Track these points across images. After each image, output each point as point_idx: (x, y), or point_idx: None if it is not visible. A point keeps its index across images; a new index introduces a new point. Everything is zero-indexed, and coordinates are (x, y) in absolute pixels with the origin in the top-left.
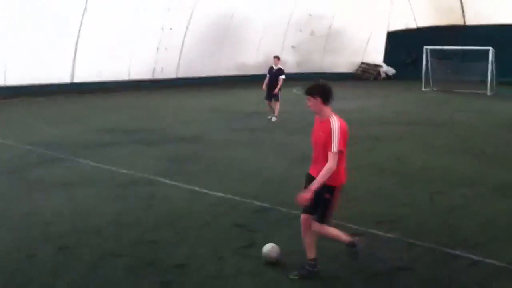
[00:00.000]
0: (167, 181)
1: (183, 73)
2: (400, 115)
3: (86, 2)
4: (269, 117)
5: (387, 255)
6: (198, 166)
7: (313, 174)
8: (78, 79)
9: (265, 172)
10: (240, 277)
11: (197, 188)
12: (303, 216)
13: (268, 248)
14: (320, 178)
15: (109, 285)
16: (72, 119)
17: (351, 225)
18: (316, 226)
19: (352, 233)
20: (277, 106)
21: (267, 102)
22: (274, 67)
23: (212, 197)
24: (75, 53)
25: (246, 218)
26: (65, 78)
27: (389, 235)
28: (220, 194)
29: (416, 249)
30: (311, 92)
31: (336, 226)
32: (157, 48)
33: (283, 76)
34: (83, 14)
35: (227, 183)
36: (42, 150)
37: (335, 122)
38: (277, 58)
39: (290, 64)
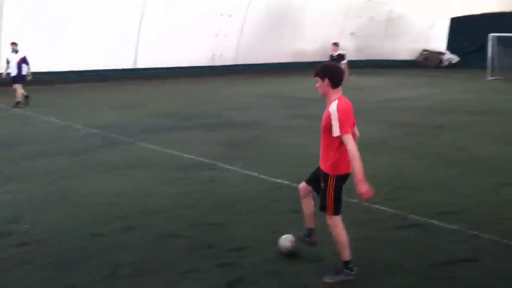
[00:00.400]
0: (225, 165)
1: (241, 60)
2: (463, 104)
3: None
4: None
5: (449, 246)
6: (256, 151)
7: (320, 163)
8: (141, 65)
9: None
10: (298, 261)
11: (255, 173)
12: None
13: (284, 239)
14: (355, 167)
15: (170, 264)
16: (134, 104)
17: (412, 216)
18: (327, 219)
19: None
20: None
21: None
22: (334, 54)
23: (270, 183)
24: (137, 40)
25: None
26: (128, 64)
27: (451, 226)
28: (277, 180)
29: (479, 241)
30: (320, 73)
31: (395, 216)
32: (216, 35)
33: (345, 61)
34: (145, 2)
35: (285, 169)
36: (106, 134)
37: (334, 104)
38: (335, 44)
39: (349, 50)
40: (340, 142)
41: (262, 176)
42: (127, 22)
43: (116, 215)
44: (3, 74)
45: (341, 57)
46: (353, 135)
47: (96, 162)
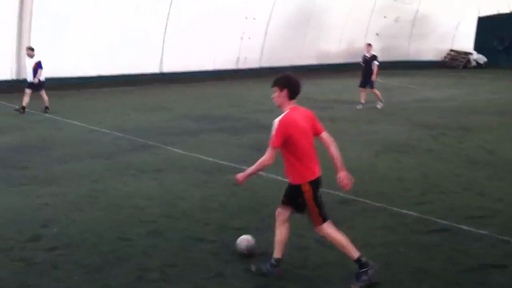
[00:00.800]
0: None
1: (265, 62)
2: (491, 105)
3: None
4: (376, 105)
5: (478, 251)
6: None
7: (288, 179)
8: (166, 69)
9: (348, 162)
10: (324, 267)
11: (280, 177)
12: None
13: (241, 240)
14: (249, 169)
15: (197, 269)
16: (160, 108)
17: (440, 220)
18: (317, 229)
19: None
20: (376, 92)
21: (361, 89)
22: (367, 55)
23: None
24: (163, 43)
25: (329, 208)
26: (154, 68)
27: (481, 231)
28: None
29: (510, 246)
30: (279, 83)
31: (423, 221)
32: (241, 38)
33: (376, 63)
34: (170, 6)
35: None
36: (133, 137)
37: (279, 117)
38: (369, 45)
39: (374, 51)
40: (293, 152)
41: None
42: (153, 27)
43: (143, 219)
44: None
45: (374, 57)
46: (321, 139)
47: (124, 166)
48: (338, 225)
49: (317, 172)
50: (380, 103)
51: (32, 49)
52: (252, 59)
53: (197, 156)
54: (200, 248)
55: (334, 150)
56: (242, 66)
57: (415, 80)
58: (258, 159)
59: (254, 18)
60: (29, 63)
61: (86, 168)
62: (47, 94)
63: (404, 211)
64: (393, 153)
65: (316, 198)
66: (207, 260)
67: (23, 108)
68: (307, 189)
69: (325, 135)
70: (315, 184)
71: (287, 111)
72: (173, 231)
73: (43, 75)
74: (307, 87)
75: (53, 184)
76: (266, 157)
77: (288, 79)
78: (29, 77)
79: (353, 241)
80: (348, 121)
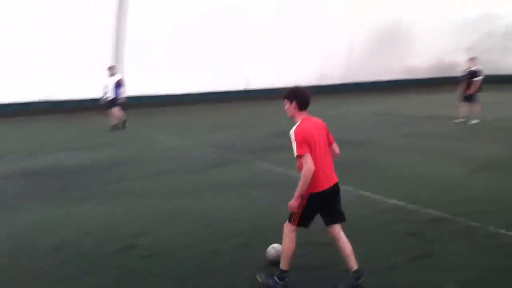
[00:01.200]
0: None
1: (350, 78)
2: None
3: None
4: (470, 120)
5: None
6: (366, 171)
7: None
8: (253, 86)
9: (440, 179)
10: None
11: (368, 193)
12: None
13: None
14: (299, 185)
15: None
16: (247, 124)
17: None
18: (285, 226)
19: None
20: (476, 108)
21: (461, 104)
22: (470, 68)
23: (384, 203)
24: (249, 62)
25: (420, 227)
26: (240, 86)
27: None
28: (392, 200)
29: None
30: (288, 96)
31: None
32: (325, 54)
33: (479, 77)
34: (256, 26)
35: (400, 189)
36: (221, 152)
37: (294, 127)
38: (472, 59)
39: (464, 65)
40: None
41: (376, 196)
42: (239, 46)
43: (232, 232)
44: (102, 99)
45: (477, 71)
46: (332, 151)
47: (212, 180)
48: (433, 244)
49: (328, 182)
50: (476, 119)
51: (113, 68)
52: (336, 75)
53: (284, 172)
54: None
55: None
56: (326, 82)
57: (509, 95)
58: (343, 175)
59: (337, 34)
60: (110, 82)
61: (177, 182)
62: (126, 113)
63: (503, 231)
64: (488, 171)
65: (309, 209)
66: (295, 275)
67: (124, 122)
68: (304, 198)
69: (335, 146)
70: (318, 196)
71: (299, 122)
72: (262, 244)
73: (123, 93)
74: (394, 102)
75: (147, 197)
76: (306, 167)
77: (296, 92)
78: (110, 95)
79: (446, 261)
80: (437, 137)
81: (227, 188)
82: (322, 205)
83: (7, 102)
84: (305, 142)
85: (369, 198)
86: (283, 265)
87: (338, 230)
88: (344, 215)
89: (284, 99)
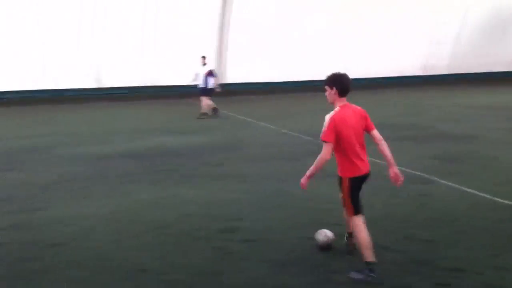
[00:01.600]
0: (439, 180)
1: (455, 69)
2: None
3: None
4: None
5: None
6: (474, 166)
7: None
8: (353, 75)
9: None
10: None
11: (474, 191)
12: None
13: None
14: (309, 170)
15: (384, 278)
16: None
17: None
18: (350, 218)
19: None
20: None
21: None
22: None
23: (492, 202)
24: (351, 49)
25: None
26: None
27: None
28: (501, 199)
29: None
30: (329, 82)
31: None
32: (429, 43)
33: None
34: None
35: (510, 187)
36: (319, 141)
37: (329, 114)
38: None
39: None
40: (341, 147)
41: (483, 194)
42: (341, 35)
43: (327, 222)
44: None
45: None
46: (372, 136)
47: (309, 168)
48: None
49: (363, 169)
50: None
51: (205, 57)
52: (440, 66)
53: (380, 163)
54: (384, 256)
55: (384, 147)
56: (428, 72)
57: None
58: (447, 170)
59: (444, 23)
60: (202, 71)
61: (274, 168)
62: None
63: None
64: None
65: (352, 192)
66: (392, 270)
67: (215, 109)
68: (346, 183)
69: (375, 132)
70: (357, 180)
71: (337, 109)
72: None
73: (212, 82)
74: (503, 95)
75: (244, 182)
76: (323, 153)
77: (337, 78)
78: (201, 84)
79: None
80: None
81: (325, 177)
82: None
83: (118, 86)
84: (335, 131)
85: (475, 195)
86: (367, 257)
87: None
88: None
89: (325, 85)
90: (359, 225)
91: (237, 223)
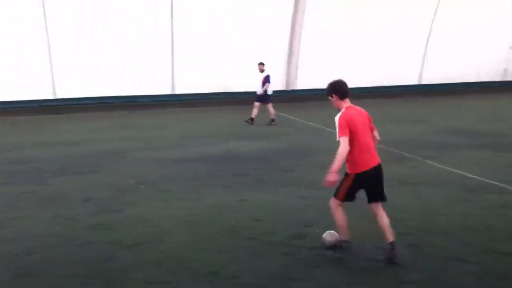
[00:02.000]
0: None
1: None
2: None
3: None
4: None
5: None
6: None
7: None
8: (426, 81)
9: None
10: None
11: None
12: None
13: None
14: (334, 162)
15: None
16: (419, 120)
17: None
18: (332, 199)
19: None
20: None
21: None
22: None
23: None
24: (423, 55)
25: None
26: (413, 80)
27: None
28: None
29: None
30: (328, 92)
31: None
32: (510, 47)
33: None
34: (434, 13)
35: None
36: (390, 148)
37: (337, 115)
38: None
39: None
40: (351, 142)
41: None
42: (412, 40)
43: (400, 231)
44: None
45: None
46: (374, 138)
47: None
48: None
49: (372, 162)
50: None
51: (263, 64)
52: None
53: (458, 172)
54: (461, 268)
55: (375, 141)
56: (510, 78)
57: None
58: None
59: None
60: (259, 77)
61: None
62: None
63: None
64: None
65: (352, 185)
66: (469, 283)
67: (252, 119)
68: (351, 177)
69: (375, 133)
70: (362, 176)
71: (343, 110)
72: (431, 246)
73: (271, 89)
74: None
75: (315, 187)
76: (342, 147)
77: (333, 86)
78: (258, 90)
79: None
80: None
81: (397, 185)
82: (367, 183)
83: (190, 92)
84: (347, 126)
85: None
86: (343, 236)
87: (375, 206)
88: (385, 196)
89: (327, 96)
90: (340, 210)
91: (307, 229)
